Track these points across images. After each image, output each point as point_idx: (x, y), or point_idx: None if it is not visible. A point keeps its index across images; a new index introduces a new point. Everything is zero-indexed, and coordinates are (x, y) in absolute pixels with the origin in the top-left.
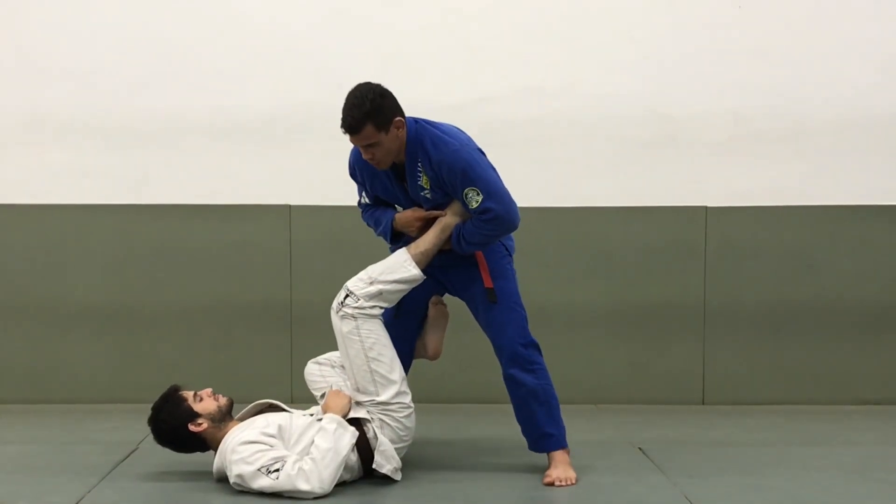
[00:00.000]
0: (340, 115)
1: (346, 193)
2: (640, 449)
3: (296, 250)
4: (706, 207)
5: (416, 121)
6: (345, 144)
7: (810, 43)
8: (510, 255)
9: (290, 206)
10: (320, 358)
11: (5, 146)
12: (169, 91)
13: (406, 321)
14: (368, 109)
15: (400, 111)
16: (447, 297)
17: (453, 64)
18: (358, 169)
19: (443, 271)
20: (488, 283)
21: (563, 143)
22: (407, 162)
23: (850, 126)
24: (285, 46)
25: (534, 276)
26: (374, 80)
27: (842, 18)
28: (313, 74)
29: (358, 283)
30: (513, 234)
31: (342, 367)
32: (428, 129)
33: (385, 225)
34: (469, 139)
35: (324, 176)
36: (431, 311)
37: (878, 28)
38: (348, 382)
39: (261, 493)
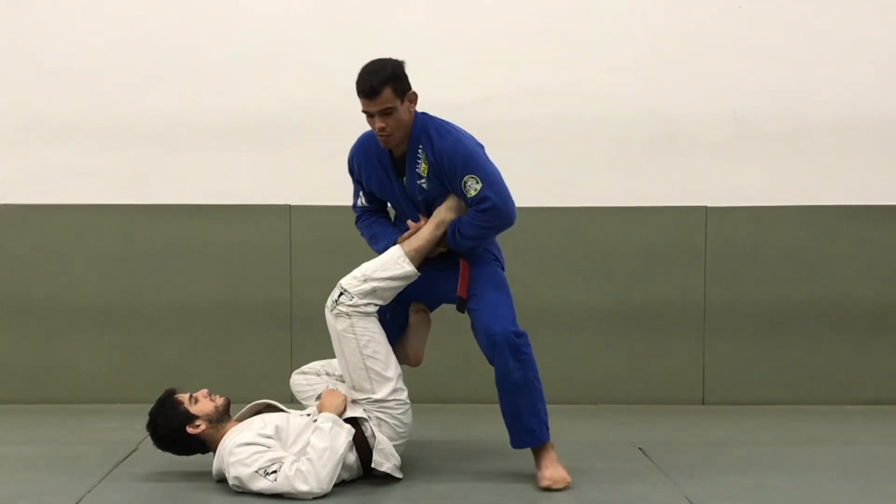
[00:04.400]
0: (357, 84)
1: (346, 194)
2: (640, 449)
3: (296, 250)
4: (706, 207)
5: (422, 113)
6: (345, 144)
7: (810, 43)
8: (503, 269)
9: (290, 206)
10: (304, 368)
11: (5, 146)
12: (169, 91)
13: (386, 329)
14: (389, 74)
15: (412, 87)
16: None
17: (453, 64)
18: (356, 162)
19: (430, 276)
20: (462, 292)
21: (563, 143)
22: (409, 147)
23: (850, 126)
24: (285, 47)
25: (534, 276)
26: None
27: (842, 18)
28: (313, 75)
29: (352, 281)
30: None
31: (328, 374)
32: (434, 119)
33: (387, 243)
34: (471, 136)
35: (324, 176)
36: (413, 318)
37: (878, 28)
38: (339, 387)
39: (260, 494)
